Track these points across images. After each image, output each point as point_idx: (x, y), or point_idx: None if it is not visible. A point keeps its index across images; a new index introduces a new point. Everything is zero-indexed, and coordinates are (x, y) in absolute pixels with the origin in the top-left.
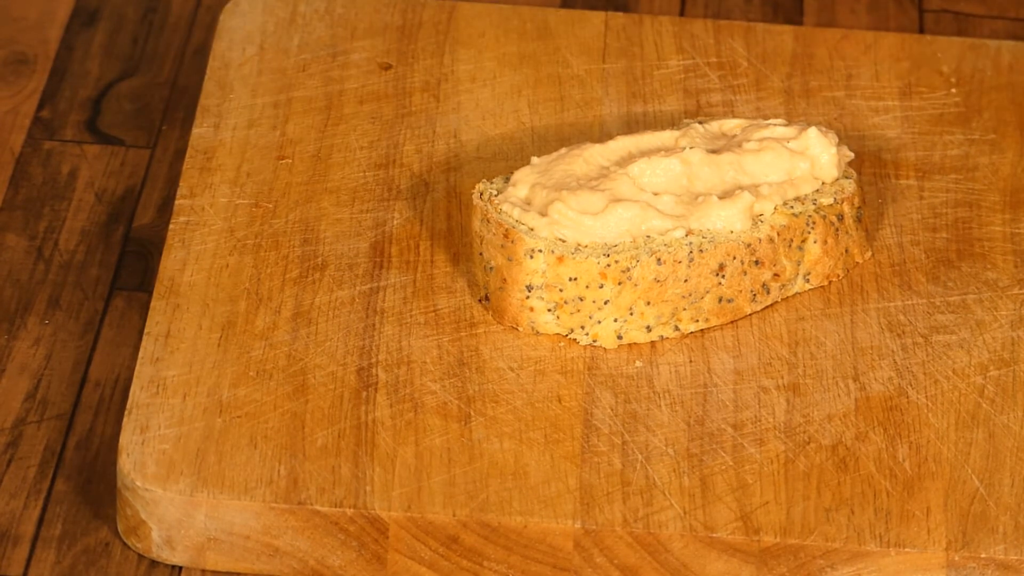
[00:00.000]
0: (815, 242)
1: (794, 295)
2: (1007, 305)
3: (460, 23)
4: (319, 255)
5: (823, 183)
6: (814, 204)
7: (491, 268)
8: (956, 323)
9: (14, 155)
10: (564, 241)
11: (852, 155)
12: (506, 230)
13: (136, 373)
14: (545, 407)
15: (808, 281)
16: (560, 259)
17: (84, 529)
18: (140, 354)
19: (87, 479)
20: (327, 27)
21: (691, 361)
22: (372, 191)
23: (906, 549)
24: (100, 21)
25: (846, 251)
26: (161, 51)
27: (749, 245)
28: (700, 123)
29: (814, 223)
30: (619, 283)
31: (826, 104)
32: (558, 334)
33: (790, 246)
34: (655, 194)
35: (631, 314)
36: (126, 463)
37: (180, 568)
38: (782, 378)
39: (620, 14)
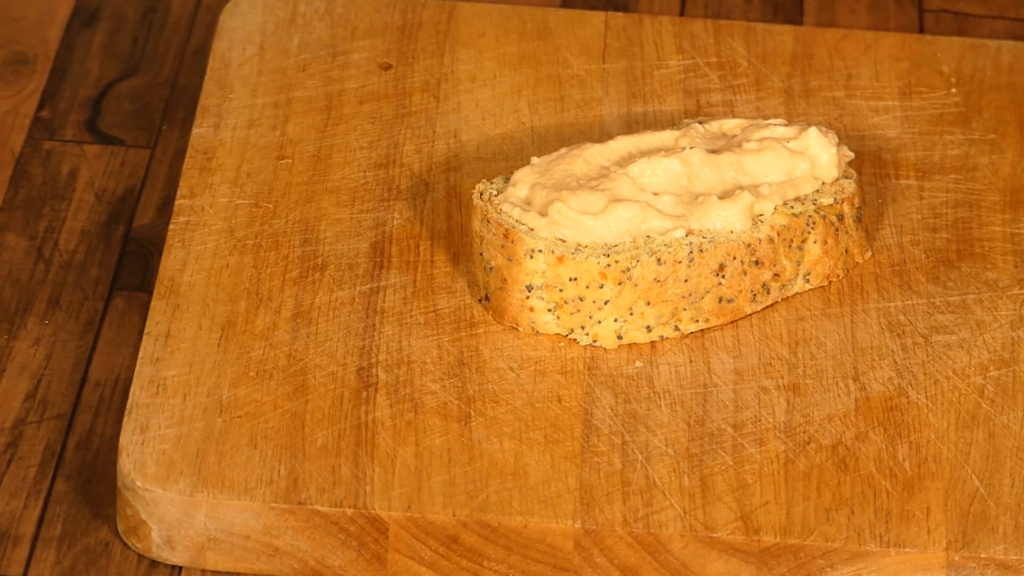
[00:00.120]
0: (815, 242)
1: (794, 295)
2: (1007, 305)
3: (460, 23)
4: (319, 255)
5: (823, 183)
6: (814, 204)
7: (491, 268)
8: (956, 323)
9: (14, 155)
10: (564, 241)
11: (852, 155)
12: (506, 230)
13: (136, 373)
14: (545, 407)
15: (808, 281)
16: (560, 259)
17: (84, 529)
18: (140, 354)
19: (87, 479)
20: (327, 27)
21: (691, 361)
22: (372, 191)
23: (906, 549)
24: (100, 21)
25: (846, 251)
26: (161, 51)
27: (749, 245)
28: (700, 123)
29: (814, 223)
30: (619, 283)
31: (826, 104)
32: (558, 334)
33: (790, 246)
34: (655, 194)
35: (631, 314)
36: (126, 463)
37: (180, 568)
38: (782, 378)
39: (620, 14)
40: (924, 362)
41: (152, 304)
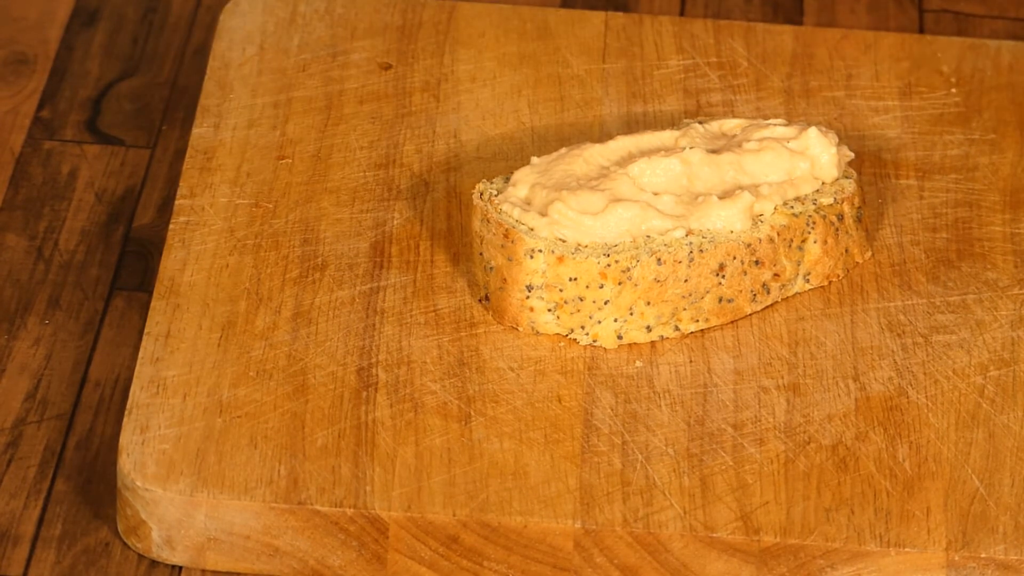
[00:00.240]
0: (815, 242)
1: (794, 295)
2: (1007, 305)
3: (460, 23)
4: (319, 255)
5: (823, 183)
6: (814, 204)
7: (491, 268)
8: (956, 323)
9: (14, 155)
10: (564, 241)
11: (852, 155)
12: (506, 230)
13: (136, 373)
14: (545, 407)
15: (808, 281)
16: (560, 259)
17: (84, 529)
18: (140, 354)
19: (87, 479)
20: (327, 27)
21: (691, 361)
22: (372, 191)
23: (906, 549)
24: (100, 21)
25: (846, 251)
26: (161, 51)
27: (749, 245)
28: (700, 123)
29: (814, 223)
30: (619, 283)
31: (826, 104)
32: (558, 334)
33: (790, 246)
34: (655, 194)
35: (631, 314)
36: (126, 463)
37: (180, 568)
38: (782, 378)
39: (620, 14)
40: (924, 362)
41: (152, 304)
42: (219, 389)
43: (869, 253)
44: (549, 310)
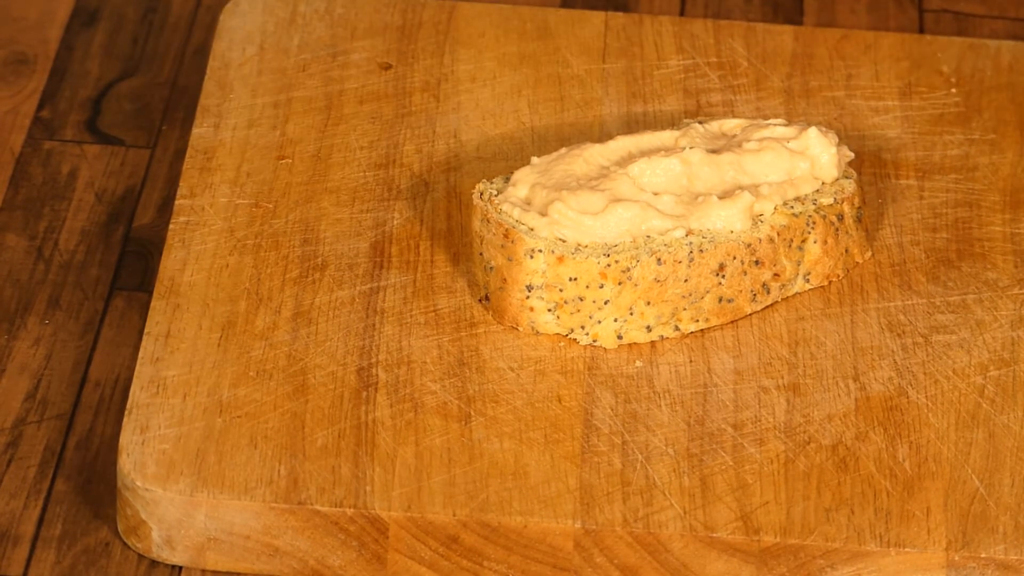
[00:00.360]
0: (815, 242)
1: (794, 295)
2: (1007, 305)
3: (460, 23)
4: (319, 255)
5: (823, 183)
6: (814, 204)
7: (491, 268)
8: (956, 323)
9: (14, 155)
10: (564, 241)
11: (852, 155)
12: (506, 230)
13: (136, 373)
14: (545, 407)
15: (808, 281)
16: (560, 259)
17: (84, 529)
18: (140, 354)
19: (87, 479)
20: (327, 27)
21: (691, 361)
22: (372, 191)
23: (906, 549)
24: (100, 21)
25: (846, 251)
26: (161, 51)
27: (749, 245)
28: (700, 123)
29: (814, 223)
30: (619, 283)
31: (826, 104)
32: (558, 334)
33: (790, 246)
34: (655, 194)
35: (631, 314)
36: (126, 463)
37: (180, 568)
38: (782, 378)
39: (620, 14)
40: (924, 362)
41: (152, 304)
42: (219, 389)
43: (869, 253)
44: (549, 310)
